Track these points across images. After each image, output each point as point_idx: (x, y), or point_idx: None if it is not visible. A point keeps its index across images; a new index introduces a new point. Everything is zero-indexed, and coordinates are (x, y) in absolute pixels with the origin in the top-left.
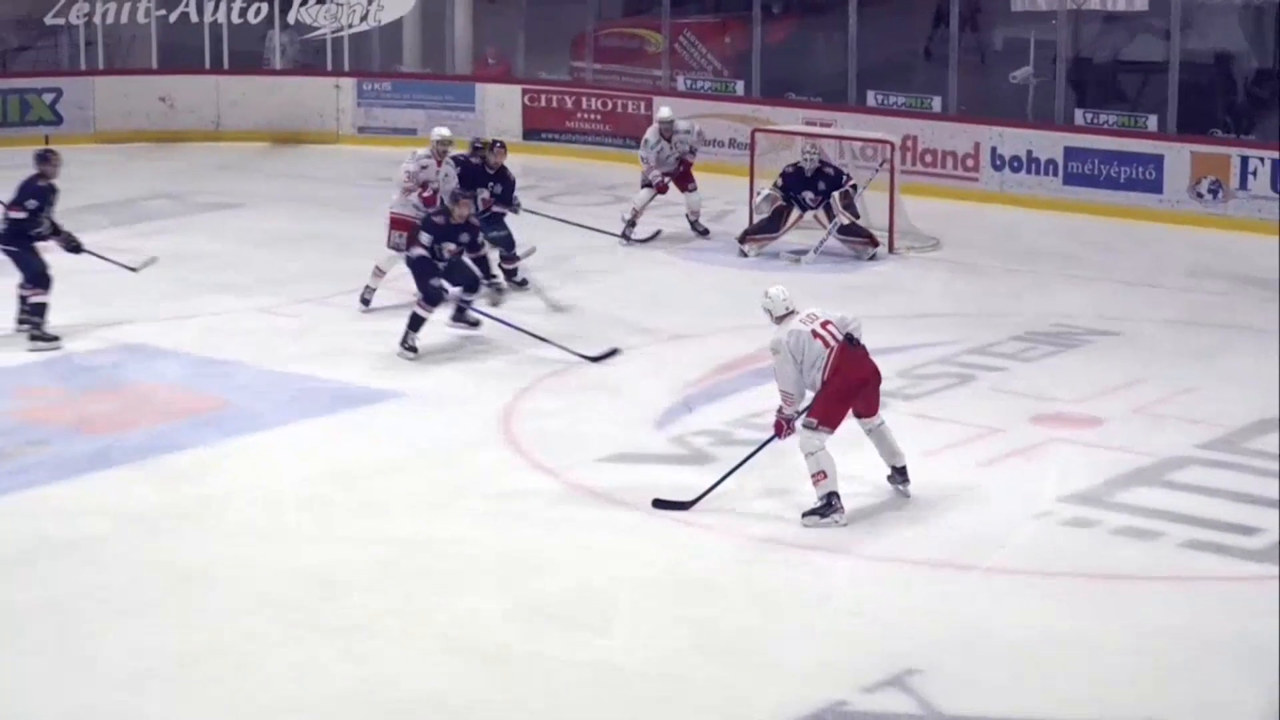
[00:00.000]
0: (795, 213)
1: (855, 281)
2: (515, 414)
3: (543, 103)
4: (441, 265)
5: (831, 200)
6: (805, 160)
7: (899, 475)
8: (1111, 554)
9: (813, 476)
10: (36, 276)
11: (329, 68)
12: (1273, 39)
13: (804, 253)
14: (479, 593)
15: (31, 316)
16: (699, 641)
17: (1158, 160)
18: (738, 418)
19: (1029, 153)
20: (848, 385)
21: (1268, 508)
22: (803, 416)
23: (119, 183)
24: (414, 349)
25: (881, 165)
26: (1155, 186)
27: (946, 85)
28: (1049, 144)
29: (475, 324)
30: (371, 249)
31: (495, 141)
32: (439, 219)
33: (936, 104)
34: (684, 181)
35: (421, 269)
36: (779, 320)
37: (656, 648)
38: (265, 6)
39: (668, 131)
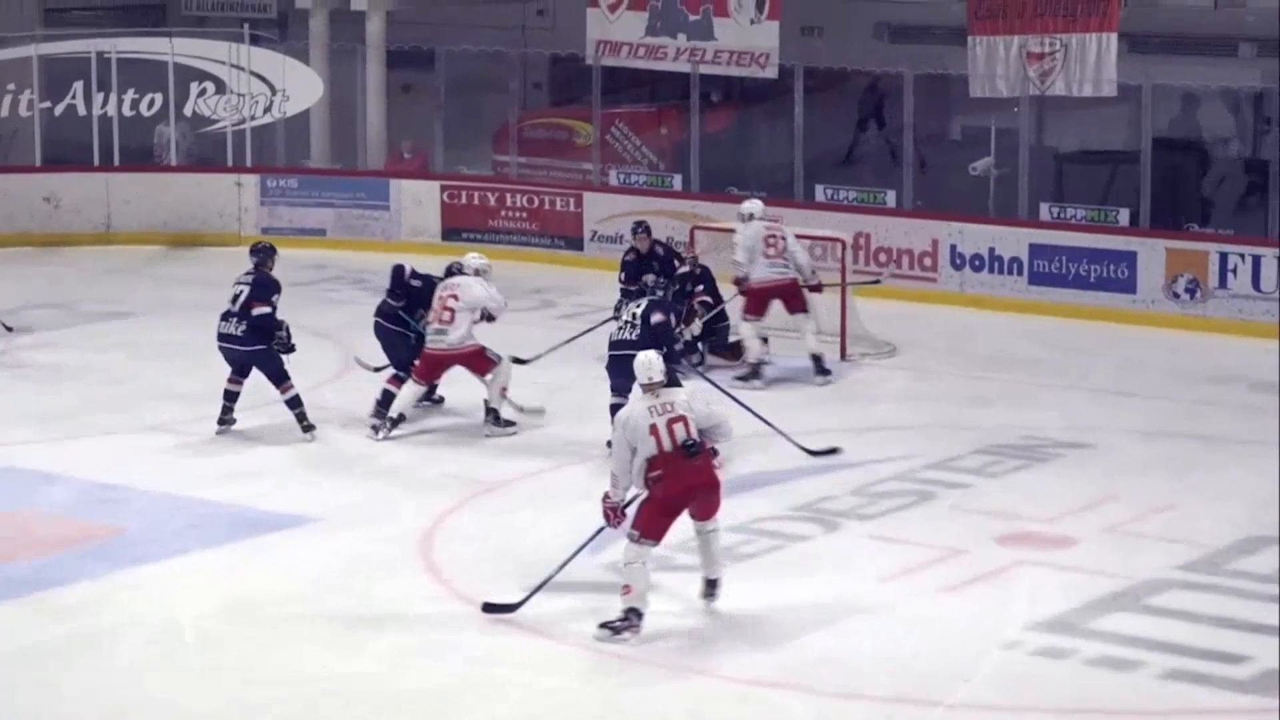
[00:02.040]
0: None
1: (804, 390)
2: (436, 537)
3: (463, 200)
4: None
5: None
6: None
7: (710, 589)
8: (1087, 686)
9: (622, 587)
10: (280, 373)
11: (230, 163)
12: (1251, 127)
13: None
14: None
15: (293, 408)
16: None
17: (1130, 257)
18: (677, 541)
19: (991, 250)
20: (671, 495)
21: (1254, 634)
22: (627, 524)
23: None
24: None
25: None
26: (1128, 286)
27: (901, 178)
28: (1013, 240)
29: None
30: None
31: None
32: None
33: (891, 198)
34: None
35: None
36: (643, 390)
37: None
38: (159, 98)
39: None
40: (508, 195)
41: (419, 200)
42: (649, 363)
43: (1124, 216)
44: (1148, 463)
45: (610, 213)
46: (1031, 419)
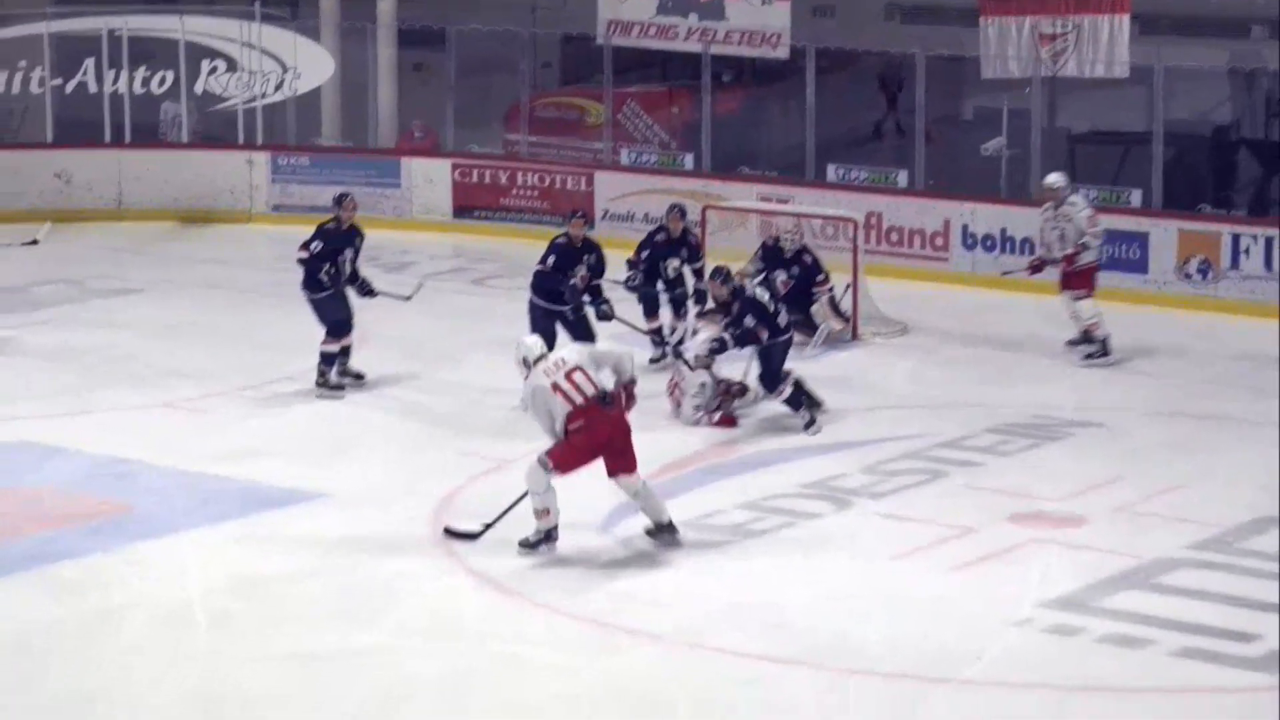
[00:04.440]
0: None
1: (816, 370)
2: (448, 514)
3: (474, 178)
4: None
5: (820, 304)
6: (787, 240)
7: (665, 531)
8: (1097, 664)
9: (536, 513)
10: (333, 325)
11: (241, 141)
12: (1263, 108)
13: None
14: (403, 713)
15: (321, 362)
16: None
17: (1142, 239)
18: (688, 519)
19: (1003, 231)
20: (593, 443)
21: (1265, 612)
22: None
23: (10, 267)
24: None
25: (842, 328)
26: (1140, 266)
27: (913, 158)
28: (1024, 221)
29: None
30: (289, 338)
31: (579, 212)
32: None
33: (903, 178)
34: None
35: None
36: (528, 368)
37: None
38: (170, 75)
39: (1057, 202)
40: (519, 174)
41: (430, 179)
42: (516, 345)
43: (1136, 197)
44: (1159, 442)
45: (622, 192)
46: (1043, 398)
